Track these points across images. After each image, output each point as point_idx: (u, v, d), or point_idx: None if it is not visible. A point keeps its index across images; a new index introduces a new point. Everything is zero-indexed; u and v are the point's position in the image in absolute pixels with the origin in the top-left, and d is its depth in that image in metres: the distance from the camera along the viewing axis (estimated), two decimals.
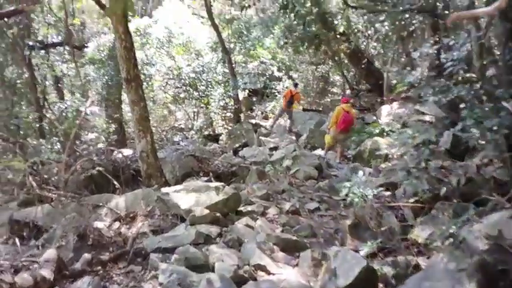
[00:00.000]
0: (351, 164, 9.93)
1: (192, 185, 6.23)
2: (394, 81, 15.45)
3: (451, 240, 3.30)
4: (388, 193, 4.99)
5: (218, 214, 5.63)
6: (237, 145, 12.01)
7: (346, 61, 16.45)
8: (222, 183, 6.15)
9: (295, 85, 14.79)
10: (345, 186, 4.79)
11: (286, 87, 16.17)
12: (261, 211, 6.26)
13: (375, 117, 14.03)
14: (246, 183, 7.93)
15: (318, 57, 16.56)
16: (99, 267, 4.32)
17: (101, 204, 6.49)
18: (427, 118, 11.68)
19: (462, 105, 4.62)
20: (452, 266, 3.14)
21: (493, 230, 3.05)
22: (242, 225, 5.60)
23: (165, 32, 16.07)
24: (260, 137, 13.09)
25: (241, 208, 6.23)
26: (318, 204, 7.07)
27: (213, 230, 5.32)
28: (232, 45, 16.64)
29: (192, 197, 5.90)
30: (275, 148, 11.92)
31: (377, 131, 11.39)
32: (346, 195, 4.70)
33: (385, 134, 11.05)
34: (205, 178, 8.13)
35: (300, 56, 17.01)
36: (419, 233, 4.58)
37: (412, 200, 4.66)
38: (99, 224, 5.94)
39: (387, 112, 13.79)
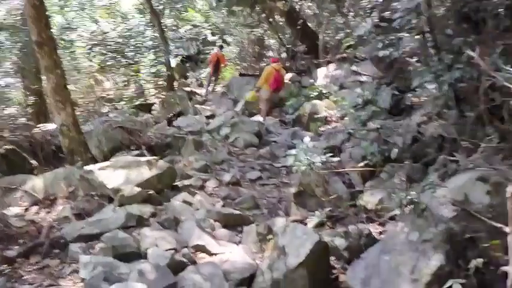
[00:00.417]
0: (291, 129, 9.57)
1: (121, 161, 5.52)
2: (332, 43, 15.23)
3: (412, 207, 2.95)
4: (336, 159, 4.59)
5: (151, 192, 5.00)
6: (171, 114, 11.22)
7: (281, 23, 15.87)
8: (155, 157, 5.50)
9: (221, 47, 14.17)
10: (290, 154, 4.32)
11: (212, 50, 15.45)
12: (200, 185, 5.71)
13: (311, 80, 13.73)
14: (182, 155, 7.31)
15: (252, 19, 15.83)
16: (5, 266, 3.58)
17: (14, 186, 5.62)
18: (363, 78, 11.52)
19: (415, 59, 4.24)
20: (414, 237, 2.81)
21: (459, 194, 2.73)
22: (179, 202, 5.04)
23: None
24: (195, 105, 12.37)
25: (177, 183, 5.64)
26: (260, 172, 6.64)
27: (146, 210, 4.71)
28: (161, 8, 15.50)
29: (120, 174, 5.21)
30: (212, 116, 11.29)
31: (315, 93, 11.08)
32: (292, 164, 4.24)
33: (323, 96, 10.77)
34: (137, 151, 7.38)
35: (234, 19, 16.18)
36: (369, 199, 4.27)
37: (361, 164, 4.32)
38: (12, 210, 5.13)
39: (324, 74, 13.51)
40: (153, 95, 14.87)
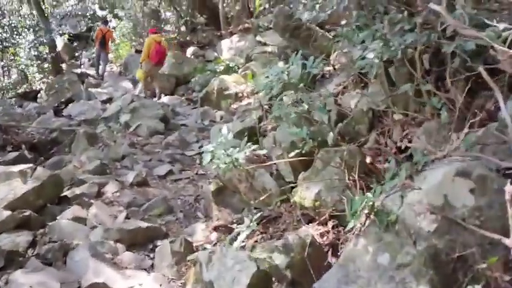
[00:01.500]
0: (200, 109, 8.53)
1: None
2: (231, 13, 14.19)
3: (375, 218, 2.18)
4: (263, 152, 3.70)
5: (28, 212, 3.73)
6: (59, 102, 9.53)
7: None
8: (30, 165, 4.18)
9: (105, 23, 12.73)
10: (206, 151, 3.34)
11: (90, 28, 13.76)
12: (96, 191, 4.51)
13: (216, 54, 12.69)
14: (73, 153, 5.96)
15: None
16: None
17: None
18: (270, 49, 10.75)
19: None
20: (385, 260, 2.03)
21: (437, 197, 2.00)
22: (67, 220, 3.84)
23: None
24: (89, 89, 10.72)
25: (66, 193, 4.40)
26: (170, 165, 5.58)
27: (21, 239, 3.46)
28: None
29: None
30: (109, 100, 9.82)
31: (222, 68, 10.09)
32: (210, 161, 3.28)
33: (231, 70, 9.81)
34: (16, 153, 5.88)
35: None
36: (304, 194, 3.46)
37: (292, 154, 3.49)
38: None
39: (228, 46, 12.53)
40: (39, 80, 12.77)
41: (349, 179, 3.43)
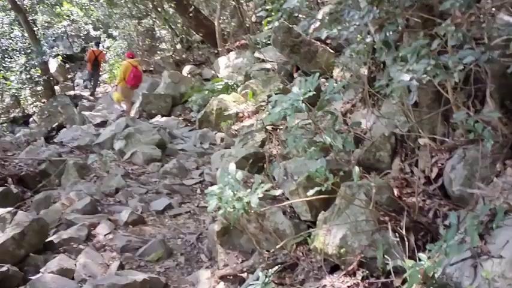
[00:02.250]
0: (198, 131, 8.00)
1: None
2: (228, 30, 13.76)
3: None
4: (278, 192, 3.14)
5: (6, 267, 3.17)
6: (51, 127, 8.98)
7: (171, 11, 14.01)
8: (9, 209, 3.61)
9: (97, 44, 12.48)
10: (211, 194, 2.79)
11: (84, 48, 13.40)
12: (85, 234, 3.95)
13: (213, 72, 12.21)
14: (63, 186, 5.41)
15: (139, 9, 13.75)
16: None
17: None
18: (269, 66, 10.28)
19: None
20: None
21: None
22: (52, 274, 3.27)
23: None
24: (82, 112, 10.21)
25: (52, 237, 3.83)
26: (168, 198, 5.04)
27: None
28: (29, 3, 12.73)
29: None
30: (103, 123, 9.31)
31: (220, 87, 9.59)
32: (216, 208, 2.74)
33: (230, 89, 9.31)
34: (0, 189, 5.31)
35: (117, 10, 13.94)
36: (327, 239, 2.92)
37: (311, 193, 2.94)
38: None
39: (225, 64, 12.05)
40: (31, 104, 12.24)
41: (379, 221, 2.91)
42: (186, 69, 12.53)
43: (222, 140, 7.47)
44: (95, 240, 3.92)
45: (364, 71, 4.97)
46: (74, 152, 7.23)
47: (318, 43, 9.11)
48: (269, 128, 6.74)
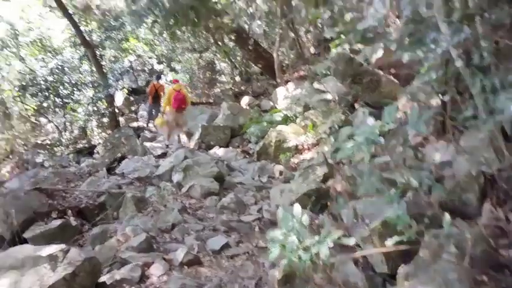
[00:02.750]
0: (257, 163, 7.71)
1: (11, 257, 3.44)
2: (286, 62, 13.63)
3: None
4: (351, 240, 2.72)
5: None
6: (113, 158, 9.11)
7: (231, 45, 14.17)
8: (62, 246, 3.45)
9: (158, 77, 12.76)
10: (274, 241, 2.43)
11: (148, 82, 13.71)
12: (138, 276, 3.69)
13: (271, 103, 12.03)
14: (120, 220, 5.27)
15: (200, 42, 14.03)
16: None
17: None
18: (329, 97, 9.90)
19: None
20: None
21: None
22: None
23: (10, 30, 12.34)
24: (144, 143, 10.32)
25: (103, 278, 3.61)
26: (225, 236, 4.71)
27: None
28: (98, 39, 13.38)
29: (7, 282, 3.15)
30: (163, 155, 9.29)
31: (279, 118, 9.33)
32: (280, 257, 2.38)
33: (289, 121, 9.01)
34: (60, 221, 5.28)
35: (179, 44, 14.31)
36: None
37: (389, 243, 2.50)
38: None
39: (283, 95, 11.84)
40: (97, 135, 12.65)
41: (475, 281, 2.40)
42: (245, 101, 12.45)
43: (280, 173, 7.12)
44: (148, 282, 3.65)
45: (437, 101, 4.49)
46: (134, 183, 7.18)
47: (381, 72, 8.66)
48: (331, 161, 6.32)
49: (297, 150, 7.61)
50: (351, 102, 9.06)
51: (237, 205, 5.60)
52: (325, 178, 5.73)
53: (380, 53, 9.14)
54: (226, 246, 4.46)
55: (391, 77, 8.61)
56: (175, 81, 10.67)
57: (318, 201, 4.80)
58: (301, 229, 2.34)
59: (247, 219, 5.24)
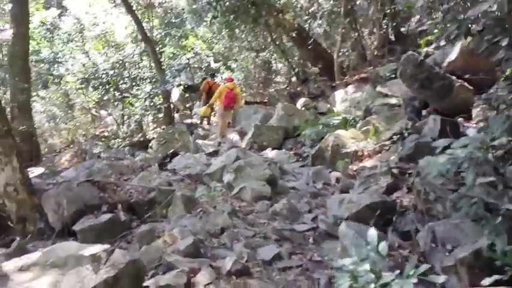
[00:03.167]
0: (311, 168, 7.26)
1: (54, 254, 3.26)
2: (346, 63, 13.06)
3: None
4: (441, 279, 2.23)
5: None
6: (166, 154, 9.01)
7: (289, 45, 13.79)
8: (106, 246, 3.24)
9: (212, 76, 12.83)
10: (342, 270, 2.01)
11: (204, 79, 13.63)
12: (183, 283, 3.39)
13: (328, 105, 11.54)
14: (168, 219, 5.05)
15: (258, 41, 13.77)
16: None
17: None
18: (393, 101, 9.28)
19: None
20: None
21: None
22: None
23: (76, 24, 12.69)
24: (197, 140, 10.18)
25: (147, 283, 3.35)
26: (277, 245, 4.33)
27: None
28: (159, 36, 13.50)
29: (47, 281, 2.96)
30: (215, 153, 9.09)
31: (337, 122, 8.83)
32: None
33: (348, 125, 8.49)
34: (110, 215, 5.15)
35: (237, 43, 14.14)
36: None
37: (488, 281, 1.99)
38: None
39: (341, 98, 11.33)
40: (152, 130, 12.74)
41: None
42: (301, 102, 12.03)
43: (337, 180, 6.63)
44: None
45: None
46: (184, 180, 7.00)
47: (454, 78, 7.93)
48: (395, 171, 5.77)
49: (356, 156, 7.09)
50: (417, 108, 8.40)
51: (290, 212, 5.20)
52: (389, 189, 5.22)
53: (454, 55, 8.41)
54: (277, 257, 4.08)
55: (465, 83, 7.87)
56: (230, 79, 10.67)
57: (383, 215, 4.30)
58: (379, 259, 1.91)
59: (301, 229, 4.83)
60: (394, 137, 6.56)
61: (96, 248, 3.19)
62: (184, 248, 3.90)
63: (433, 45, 8.10)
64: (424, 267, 1.91)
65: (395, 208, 4.26)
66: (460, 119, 6.98)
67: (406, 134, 6.23)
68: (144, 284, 3.33)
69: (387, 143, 6.87)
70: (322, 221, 4.89)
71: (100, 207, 5.42)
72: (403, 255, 2.89)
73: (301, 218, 5.19)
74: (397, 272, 1.91)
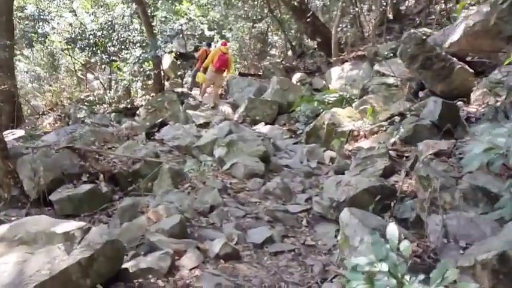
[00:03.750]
0: (305, 146, 6.95)
1: (22, 229, 2.91)
2: (344, 39, 12.61)
3: None
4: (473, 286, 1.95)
5: None
6: (154, 123, 8.60)
7: (287, 17, 13.24)
8: (81, 224, 2.89)
9: (209, 44, 12.46)
10: (356, 270, 1.71)
11: (196, 47, 13.16)
12: (167, 266, 3.08)
13: (324, 82, 11.15)
14: (154, 193, 4.72)
15: (255, 10, 13.19)
16: None
17: None
18: (390, 81, 8.93)
19: None
20: None
21: None
22: None
23: None
24: (187, 110, 9.77)
25: (127, 264, 3.03)
26: (269, 227, 4.06)
27: None
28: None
29: (12, 261, 2.62)
30: (206, 124, 8.71)
31: (333, 99, 8.48)
32: None
33: (345, 103, 8.15)
34: (90, 185, 4.78)
35: (233, 11, 13.53)
36: None
37: None
38: None
39: (338, 75, 10.94)
40: (141, 96, 12.23)
41: None
42: (296, 77, 11.62)
43: (332, 159, 6.35)
44: (177, 276, 3.05)
45: None
46: (172, 152, 6.65)
47: (455, 60, 7.60)
48: (393, 153, 5.50)
49: (352, 136, 6.78)
50: (415, 89, 8.09)
51: (283, 192, 4.91)
52: (386, 172, 4.95)
53: (457, 36, 8.05)
54: (269, 240, 3.81)
55: (466, 66, 7.55)
56: (224, 43, 10.76)
57: (381, 200, 4.03)
58: (401, 263, 1.60)
59: (294, 210, 4.54)
60: (394, 117, 6.25)
61: (71, 225, 2.85)
62: (170, 227, 3.58)
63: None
64: (454, 272, 1.62)
65: (394, 194, 3.99)
66: (459, 103, 6.69)
67: (408, 115, 5.92)
68: (123, 266, 3.01)
69: (384, 123, 6.57)
70: (316, 203, 4.61)
71: (80, 176, 5.04)
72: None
73: (294, 198, 4.91)
74: (421, 276, 1.62)
